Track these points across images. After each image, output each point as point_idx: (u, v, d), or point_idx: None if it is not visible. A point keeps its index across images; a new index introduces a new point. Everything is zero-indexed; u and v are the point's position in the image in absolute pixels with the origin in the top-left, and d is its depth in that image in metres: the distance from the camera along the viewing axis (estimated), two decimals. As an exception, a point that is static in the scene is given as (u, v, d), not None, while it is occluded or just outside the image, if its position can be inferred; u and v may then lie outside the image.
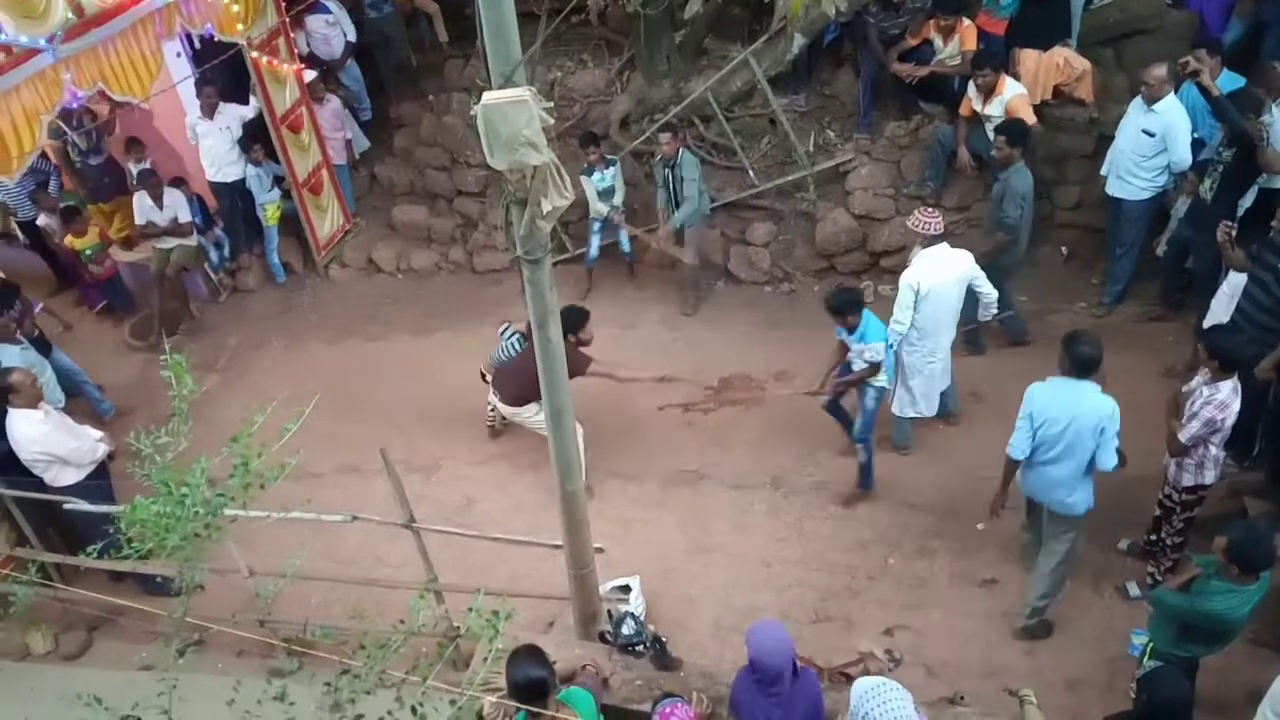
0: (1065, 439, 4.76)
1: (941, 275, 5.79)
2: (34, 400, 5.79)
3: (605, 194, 7.92)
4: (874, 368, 5.75)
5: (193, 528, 2.73)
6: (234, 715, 3.10)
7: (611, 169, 7.91)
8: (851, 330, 5.71)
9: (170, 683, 2.96)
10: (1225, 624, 4.21)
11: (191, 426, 2.83)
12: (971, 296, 6.03)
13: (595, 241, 8.22)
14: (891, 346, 5.86)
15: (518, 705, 3.54)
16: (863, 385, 5.93)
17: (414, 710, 2.80)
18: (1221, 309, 5.84)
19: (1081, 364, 4.69)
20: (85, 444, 5.90)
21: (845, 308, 5.64)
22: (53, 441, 5.74)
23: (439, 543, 5.35)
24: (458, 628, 3.05)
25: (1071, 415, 4.72)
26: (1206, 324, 6.01)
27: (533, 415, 6.24)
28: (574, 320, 6.02)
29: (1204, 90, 5.98)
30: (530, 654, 3.55)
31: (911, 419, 6.45)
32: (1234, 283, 5.72)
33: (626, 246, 8.34)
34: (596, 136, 7.94)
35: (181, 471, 2.75)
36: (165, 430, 2.77)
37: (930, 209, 5.99)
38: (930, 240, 5.83)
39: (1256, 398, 5.08)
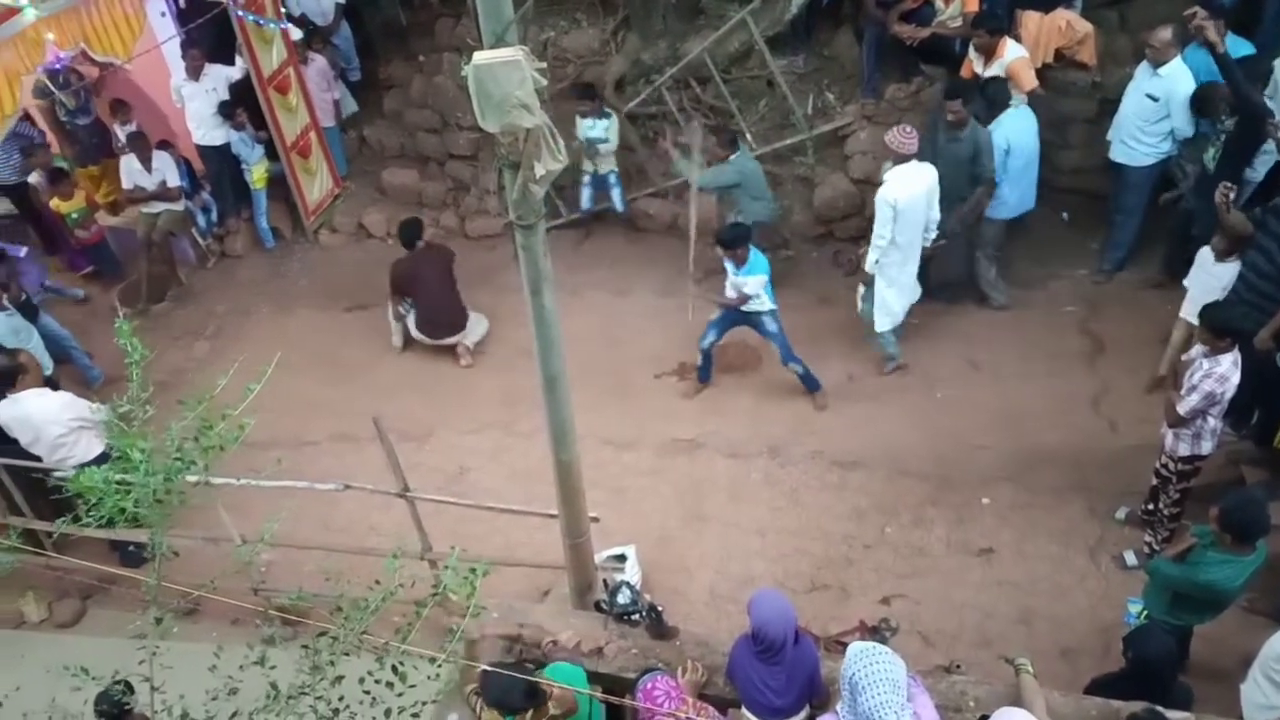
0: (1031, 149, 6.56)
1: (914, 189, 6.11)
2: (39, 379, 5.71)
3: (595, 142, 7.84)
4: (742, 298, 6.24)
5: (152, 494, 2.68)
6: (217, 680, 3.09)
7: (606, 120, 7.84)
8: (740, 264, 6.12)
9: (151, 650, 2.94)
10: (1220, 594, 4.20)
11: (173, 393, 2.78)
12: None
13: (587, 193, 8.32)
14: (877, 263, 6.31)
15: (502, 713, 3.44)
16: (758, 315, 6.35)
17: (395, 669, 2.78)
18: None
19: (986, 104, 6.58)
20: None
21: (734, 242, 6.07)
22: (78, 405, 5.65)
23: (432, 511, 5.32)
24: (437, 589, 3.01)
25: (1031, 132, 6.56)
26: (1188, 283, 5.90)
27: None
28: (415, 229, 7.32)
29: (1210, 47, 5.84)
30: (508, 673, 3.32)
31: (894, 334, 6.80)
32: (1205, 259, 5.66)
33: (620, 206, 8.29)
34: (594, 88, 7.92)
35: (149, 438, 2.70)
36: (125, 398, 2.71)
37: (908, 128, 6.17)
38: (903, 158, 6.09)
39: (1255, 367, 5.02)
